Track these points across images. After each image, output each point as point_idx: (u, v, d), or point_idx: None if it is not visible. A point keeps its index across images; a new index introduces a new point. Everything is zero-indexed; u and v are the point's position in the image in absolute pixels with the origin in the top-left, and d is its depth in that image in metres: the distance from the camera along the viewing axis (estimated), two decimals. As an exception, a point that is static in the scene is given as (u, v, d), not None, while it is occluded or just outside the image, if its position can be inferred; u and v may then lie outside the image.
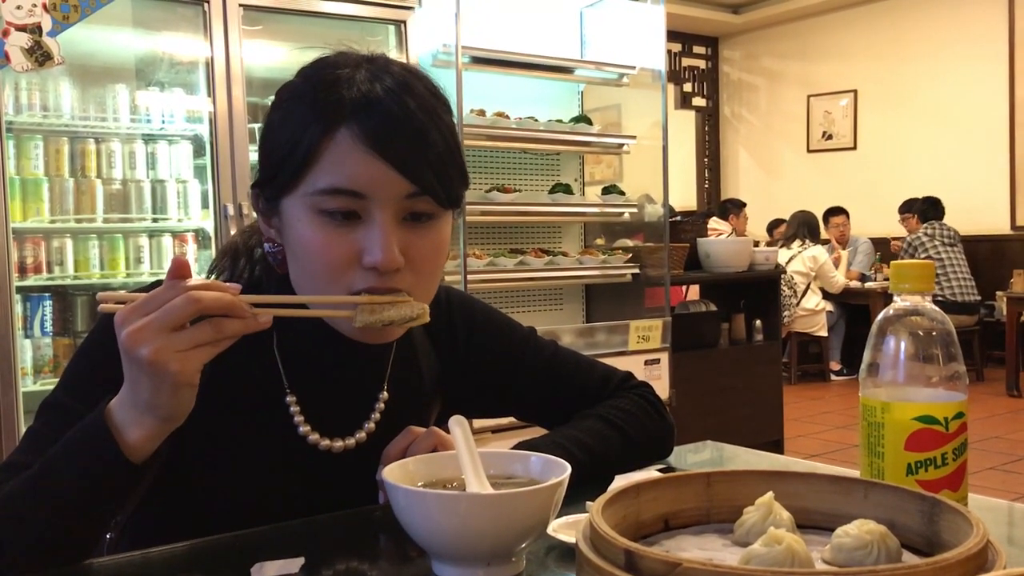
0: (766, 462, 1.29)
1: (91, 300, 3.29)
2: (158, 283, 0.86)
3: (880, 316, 0.88)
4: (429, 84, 0.99)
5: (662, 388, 4.13)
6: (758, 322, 4.98)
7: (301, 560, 0.87)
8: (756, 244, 5.46)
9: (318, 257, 0.94)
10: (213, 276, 1.11)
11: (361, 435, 1.08)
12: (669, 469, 1.18)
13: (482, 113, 3.79)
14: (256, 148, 1.28)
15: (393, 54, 3.48)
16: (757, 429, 4.80)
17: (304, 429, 1.04)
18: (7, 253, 2.89)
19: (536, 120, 3.97)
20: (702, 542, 0.77)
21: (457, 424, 0.87)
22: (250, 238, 1.12)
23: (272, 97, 1.03)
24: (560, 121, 4.11)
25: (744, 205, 8.42)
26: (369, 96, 0.92)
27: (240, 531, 0.98)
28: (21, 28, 2.87)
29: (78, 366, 1.03)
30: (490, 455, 0.91)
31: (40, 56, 2.88)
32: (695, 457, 1.32)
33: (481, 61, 3.75)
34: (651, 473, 1.08)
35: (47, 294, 3.21)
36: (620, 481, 1.05)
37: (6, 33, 2.85)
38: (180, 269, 0.82)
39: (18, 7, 2.86)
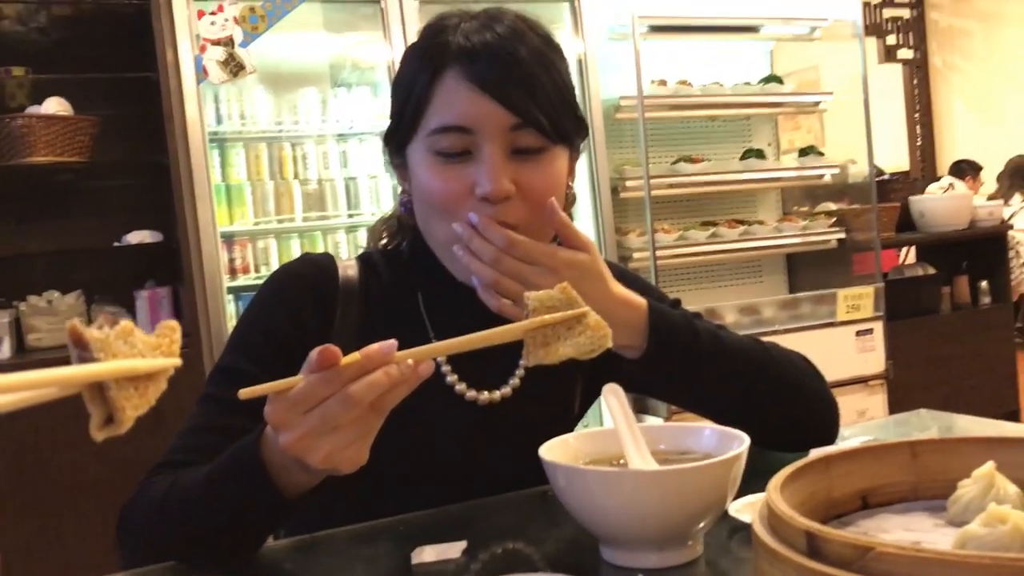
0: (982, 428, 1.13)
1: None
2: None
3: None
4: (540, 31, 1.04)
5: (877, 360, 3.84)
6: (984, 284, 4.55)
7: (463, 544, 0.83)
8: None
9: (435, 194, 0.99)
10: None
11: (506, 390, 1.07)
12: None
13: (663, 83, 3.65)
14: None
15: (568, 31, 3.47)
16: (987, 401, 4.39)
17: (451, 379, 1.05)
18: (217, 256, 3.06)
19: (722, 85, 3.78)
20: (908, 522, 0.66)
21: (612, 393, 0.79)
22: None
23: None
24: (748, 84, 3.91)
25: (980, 168, 7.59)
26: (471, 38, 0.99)
27: (401, 515, 0.95)
28: (216, 42, 3.03)
29: (245, 329, 1.05)
30: (660, 429, 0.83)
31: (234, 67, 3.03)
32: (902, 429, 1.17)
33: (660, 29, 3.60)
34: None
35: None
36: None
37: (203, 48, 3.02)
38: (327, 359, 0.73)
39: (212, 23, 3.02)
